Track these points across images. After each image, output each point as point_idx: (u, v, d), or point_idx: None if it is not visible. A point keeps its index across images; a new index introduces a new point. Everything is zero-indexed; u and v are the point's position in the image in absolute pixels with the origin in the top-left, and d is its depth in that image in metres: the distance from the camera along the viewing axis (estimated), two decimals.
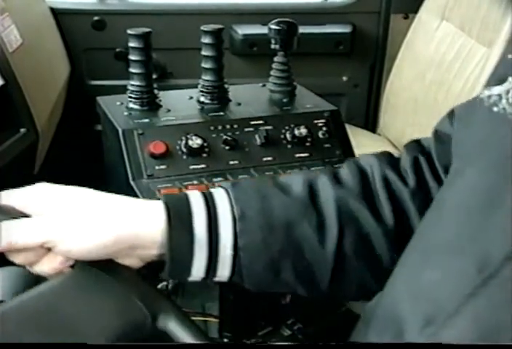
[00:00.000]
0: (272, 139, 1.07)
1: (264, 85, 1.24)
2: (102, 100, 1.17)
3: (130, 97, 1.12)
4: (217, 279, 0.65)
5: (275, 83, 1.21)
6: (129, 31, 1.08)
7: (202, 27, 1.12)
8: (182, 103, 1.15)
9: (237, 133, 1.06)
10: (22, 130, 1.25)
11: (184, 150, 1.02)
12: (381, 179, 0.67)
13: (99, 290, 0.59)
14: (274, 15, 1.22)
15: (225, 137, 1.04)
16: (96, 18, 1.68)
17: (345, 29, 1.77)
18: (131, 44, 1.08)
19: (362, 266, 0.65)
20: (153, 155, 1.01)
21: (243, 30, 1.71)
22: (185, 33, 1.64)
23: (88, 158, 1.49)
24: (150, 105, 1.12)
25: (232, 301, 1.04)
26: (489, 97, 0.50)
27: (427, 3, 1.68)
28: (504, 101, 0.48)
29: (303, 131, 1.07)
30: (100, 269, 0.60)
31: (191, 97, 1.17)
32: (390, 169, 0.68)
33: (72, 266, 0.62)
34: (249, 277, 0.64)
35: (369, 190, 0.67)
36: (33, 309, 0.56)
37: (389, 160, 0.70)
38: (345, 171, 0.69)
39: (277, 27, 1.15)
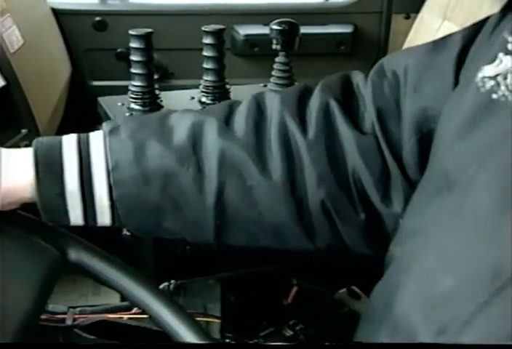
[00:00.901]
0: None
1: (265, 85, 1.24)
2: (104, 101, 1.17)
3: (131, 98, 1.12)
4: (99, 225, 0.63)
5: (276, 84, 1.21)
6: (130, 32, 1.08)
7: (203, 28, 1.12)
8: (183, 104, 1.15)
9: None
10: (24, 131, 1.25)
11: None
12: (277, 127, 0.62)
13: (1, 242, 0.58)
14: (275, 15, 1.22)
15: None
16: (97, 19, 1.68)
17: (347, 29, 1.77)
18: (132, 45, 1.08)
19: (246, 218, 0.63)
20: None
21: (244, 30, 1.71)
22: (186, 33, 1.64)
23: None
24: (152, 105, 1.12)
25: (233, 301, 1.04)
26: (483, 80, 0.48)
27: (428, 3, 1.68)
28: (503, 88, 0.47)
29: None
30: None
31: (192, 98, 1.17)
32: (293, 113, 0.63)
33: None
34: (130, 225, 0.63)
35: (260, 138, 0.62)
36: None
37: (297, 100, 0.64)
38: (241, 112, 0.64)
39: (278, 28, 1.15)
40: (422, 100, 0.59)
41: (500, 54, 0.48)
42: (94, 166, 0.60)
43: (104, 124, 0.64)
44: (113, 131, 0.62)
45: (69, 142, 0.62)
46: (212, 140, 0.62)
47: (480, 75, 0.49)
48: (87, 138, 0.62)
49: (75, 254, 0.59)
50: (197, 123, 0.63)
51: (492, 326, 0.40)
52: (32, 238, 0.59)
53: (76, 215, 0.61)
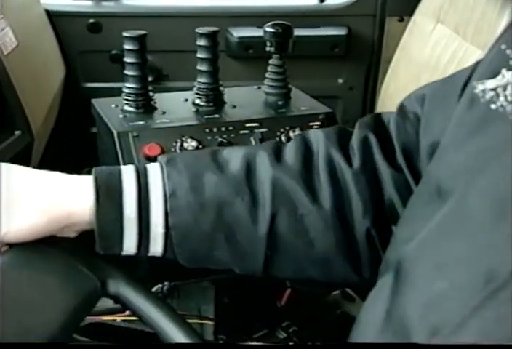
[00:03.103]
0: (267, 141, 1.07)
1: (259, 87, 1.24)
2: (98, 102, 1.17)
3: (125, 100, 1.12)
4: (150, 254, 0.64)
5: (270, 86, 1.21)
6: (124, 34, 1.08)
7: (197, 30, 1.12)
8: (177, 105, 1.15)
9: (232, 135, 1.06)
10: (17, 132, 1.25)
11: (179, 152, 1.02)
12: (324, 159, 0.65)
13: (44, 264, 0.59)
14: (270, 18, 1.22)
15: (220, 139, 1.04)
16: (91, 20, 1.68)
17: (341, 32, 1.77)
18: (126, 47, 1.08)
19: (296, 248, 0.64)
20: (148, 158, 1.01)
21: (238, 32, 1.71)
22: (180, 35, 1.64)
23: (83, 161, 1.49)
24: (146, 107, 1.12)
25: (227, 303, 1.04)
26: (484, 91, 0.49)
27: (422, 5, 1.68)
28: (502, 98, 0.47)
29: (298, 133, 1.07)
30: (39, 242, 0.60)
31: (186, 100, 1.17)
32: (337, 147, 0.66)
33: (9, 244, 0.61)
34: (182, 254, 0.64)
35: (310, 169, 0.65)
36: None
37: (339, 137, 0.68)
38: (289, 148, 0.67)
39: (272, 30, 1.15)
40: (433, 135, 0.61)
41: (503, 70, 0.49)
42: (152, 193, 0.62)
43: (159, 156, 0.67)
44: (170, 161, 0.65)
45: (128, 171, 0.64)
46: (264, 170, 0.64)
47: (481, 87, 0.50)
48: (145, 167, 0.65)
49: (114, 286, 0.60)
50: (249, 155, 0.66)
51: (484, 329, 0.40)
52: (75, 265, 0.59)
53: (129, 242, 0.62)
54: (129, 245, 0.63)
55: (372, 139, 0.66)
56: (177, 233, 0.62)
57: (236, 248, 0.64)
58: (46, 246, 0.60)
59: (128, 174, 0.63)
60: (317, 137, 0.68)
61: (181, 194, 0.62)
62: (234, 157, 0.66)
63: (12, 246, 0.60)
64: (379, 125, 0.68)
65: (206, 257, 0.65)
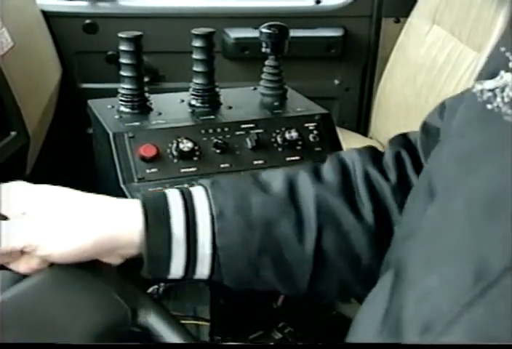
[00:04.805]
0: (263, 142, 1.07)
1: (255, 88, 1.24)
2: (94, 103, 1.16)
3: (121, 101, 1.12)
4: (196, 277, 0.65)
5: (266, 87, 1.21)
6: (119, 34, 1.08)
7: (193, 31, 1.12)
8: (173, 106, 1.15)
9: (228, 136, 1.06)
10: (13, 133, 1.25)
11: (175, 153, 1.02)
12: (362, 176, 0.67)
13: (78, 287, 0.59)
14: (266, 19, 1.22)
15: (215, 140, 1.04)
16: (88, 21, 1.68)
17: (337, 33, 1.77)
18: (122, 48, 1.08)
19: (342, 265, 0.64)
20: (143, 159, 1.01)
21: (235, 33, 1.72)
22: (176, 36, 1.64)
23: (79, 162, 1.49)
24: (141, 108, 1.11)
25: (223, 304, 1.04)
26: (482, 91, 0.50)
27: (418, 7, 1.69)
28: (499, 99, 0.48)
29: (294, 134, 1.07)
30: (78, 266, 0.60)
31: (182, 101, 1.17)
32: (373, 164, 0.68)
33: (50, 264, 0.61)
34: (229, 275, 0.64)
35: (350, 187, 0.67)
36: (12, 308, 0.55)
37: (372, 155, 0.70)
38: (327, 168, 0.69)
39: (268, 31, 1.15)
40: None
41: (502, 72, 0.49)
42: (198, 215, 0.63)
43: (200, 180, 0.68)
44: (214, 184, 0.66)
45: (173, 194, 0.65)
46: (307, 189, 0.65)
47: (479, 87, 0.51)
48: (189, 191, 0.66)
49: (144, 317, 0.59)
50: (289, 175, 0.67)
51: (476, 327, 0.40)
52: (109, 291, 0.59)
53: (177, 264, 0.63)
54: (177, 267, 0.63)
55: (404, 155, 0.68)
56: (225, 254, 0.63)
57: (283, 267, 0.64)
58: (85, 270, 0.60)
59: (174, 197, 0.64)
60: (351, 156, 0.70)
61: (228, 214, 0.63)
62: (275, 178, 0.67)
63: (54, 264, 0.61)
64: (408, 143, 0.70)
65: (252, 278, 0.65)
